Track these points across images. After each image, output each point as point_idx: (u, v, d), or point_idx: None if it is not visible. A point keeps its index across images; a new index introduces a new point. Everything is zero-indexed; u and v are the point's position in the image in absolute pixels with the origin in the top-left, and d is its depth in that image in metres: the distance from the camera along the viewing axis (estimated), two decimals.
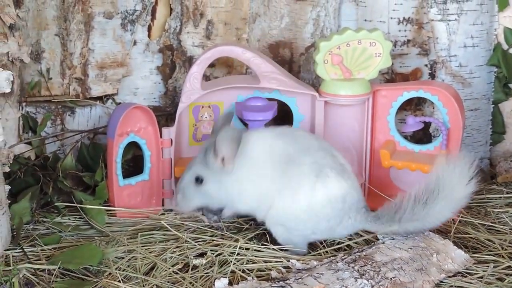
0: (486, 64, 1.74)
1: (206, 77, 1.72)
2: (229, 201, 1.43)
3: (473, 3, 1.69)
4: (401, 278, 1.27)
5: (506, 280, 1.31)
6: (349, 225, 1.40)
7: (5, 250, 1.40)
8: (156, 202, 1.61)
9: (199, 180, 1.41)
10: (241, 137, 1.37)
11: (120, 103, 1.71)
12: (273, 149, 1.40)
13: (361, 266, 1.28)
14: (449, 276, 1.32)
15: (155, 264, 1.36)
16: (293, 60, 1.75)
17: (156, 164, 1.60)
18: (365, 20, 1.72)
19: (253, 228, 1.49)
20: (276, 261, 1.36)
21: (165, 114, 1.74)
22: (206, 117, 1.64)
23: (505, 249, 1.42)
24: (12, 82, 1.41)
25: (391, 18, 1.70)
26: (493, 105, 1.78)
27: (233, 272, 1.33)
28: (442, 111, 1.56)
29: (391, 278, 1.27)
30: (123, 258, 1.38)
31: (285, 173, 1.38)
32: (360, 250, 1.35)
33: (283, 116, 1.66)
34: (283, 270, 1.32)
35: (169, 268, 1.34)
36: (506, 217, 1.55)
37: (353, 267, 1.28)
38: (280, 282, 1.24)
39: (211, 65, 1.68)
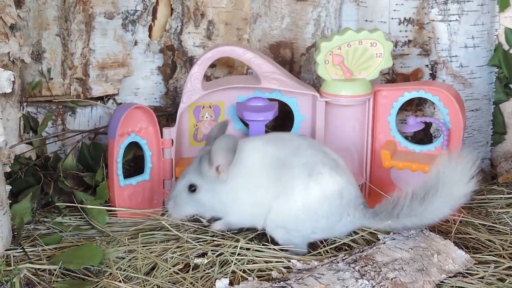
0: (487, 64, 1.74)
1: (207, 77, 1.71)
2: (222, 210, 1.43)
3: (474, 4, 1.69)
4: (401, 278, 1.27)
5: (507, 281, 1.31)
6: (348, 222, 1.40)
7: (6, 250, 1.40)
8: (157, 202, 1.61)
9: (192, 188, 1.41)
10: (237, 146, 1.37)
11: (121, 103, 1.71)
12: (265, 156, 1.40)
13: (362, 267, 1.28)
14: (449, 277, 1.32)
15: (155, 264, 1.36)
16: (294, 61, 1.75)
17: (157, 164, 1.60)
18: (366, 21, 1.72)
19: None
20: (277, 261, 1.36)
21: (166, 114, 1.74)
22: (207, 117, 1.64)
23: (506, 250, 1.42)
24: (13, 82, 1.40)
25: (392, 18, 1.70)
26: (494, 106, 1.78)
27: (233, 272, 1.33)
28: (443, 112, 1.56)
29: (391, 279, 1.27)
30: (123, 258, 1.38)
31: (279, 178, 1.38)
32: (361, 250, 1.35)
33: (283, 116, 1.66)
34: (284, 270, 1.32)
35: (170, 268, 1.34)
36: (507, 218, 1.55)
37: (353, 268, 1.27)
38: (281, 282, 1.24)
39: (212, 65, 1.68)
